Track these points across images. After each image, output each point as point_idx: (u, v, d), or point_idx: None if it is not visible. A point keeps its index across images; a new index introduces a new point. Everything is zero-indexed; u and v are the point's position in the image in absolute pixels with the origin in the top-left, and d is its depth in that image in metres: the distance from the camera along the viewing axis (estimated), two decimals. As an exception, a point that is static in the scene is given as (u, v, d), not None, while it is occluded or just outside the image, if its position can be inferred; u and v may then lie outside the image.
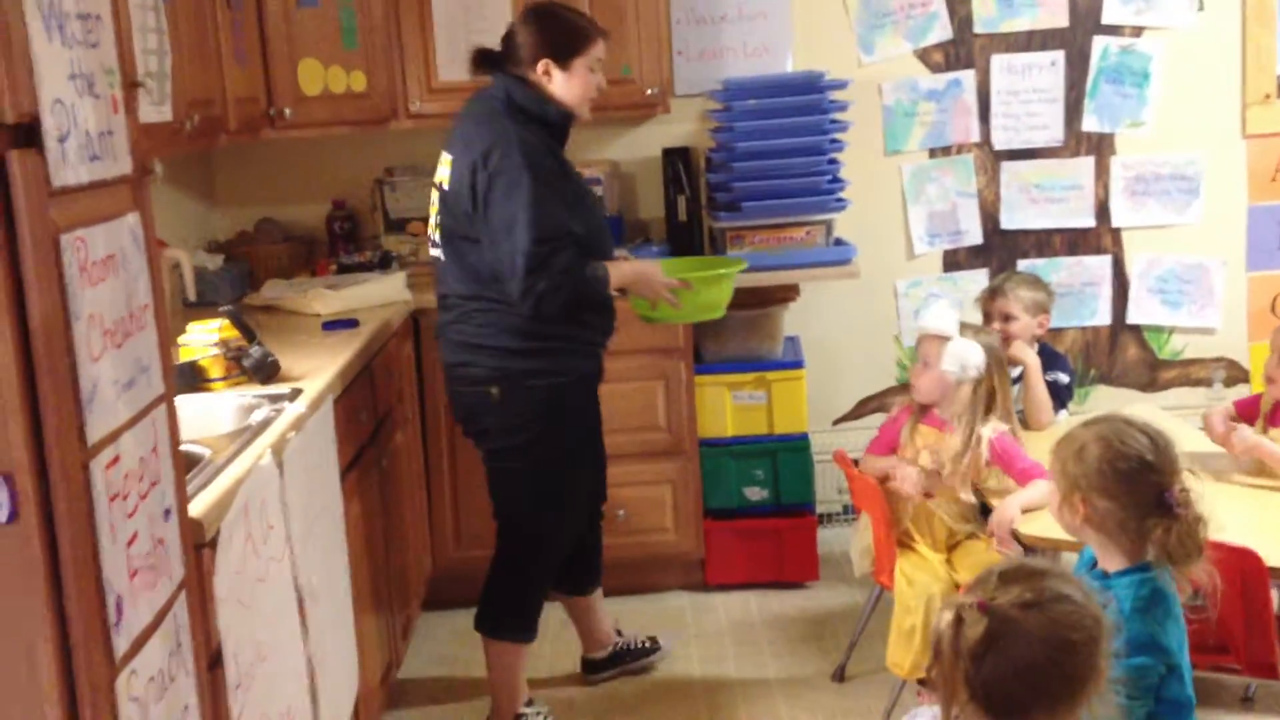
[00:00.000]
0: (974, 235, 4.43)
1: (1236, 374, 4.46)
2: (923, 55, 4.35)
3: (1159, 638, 1.98)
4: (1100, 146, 4.38)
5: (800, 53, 4.31)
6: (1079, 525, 2.11)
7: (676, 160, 4.17)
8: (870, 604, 3.37)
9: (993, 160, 4.40)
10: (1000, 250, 4.44)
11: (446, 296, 3.13)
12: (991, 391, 3.03)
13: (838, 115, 3.96)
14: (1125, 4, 4.29)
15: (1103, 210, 4.41)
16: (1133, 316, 4.46)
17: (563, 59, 2.99)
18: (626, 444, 3.88)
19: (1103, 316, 4.46)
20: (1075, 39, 4.31)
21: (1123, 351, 4.50)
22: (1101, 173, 4.39)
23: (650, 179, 4.33)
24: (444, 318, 3.15)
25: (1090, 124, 4.36)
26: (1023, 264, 4.42)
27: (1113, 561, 2.08)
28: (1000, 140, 4.38)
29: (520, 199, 2.86)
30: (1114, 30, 4.31)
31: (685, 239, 4.13)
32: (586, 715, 3.38)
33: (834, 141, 3.95)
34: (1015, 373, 3.41)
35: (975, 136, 4.39)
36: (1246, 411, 3.13)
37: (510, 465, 3.10)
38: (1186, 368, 4.49)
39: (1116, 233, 4.43)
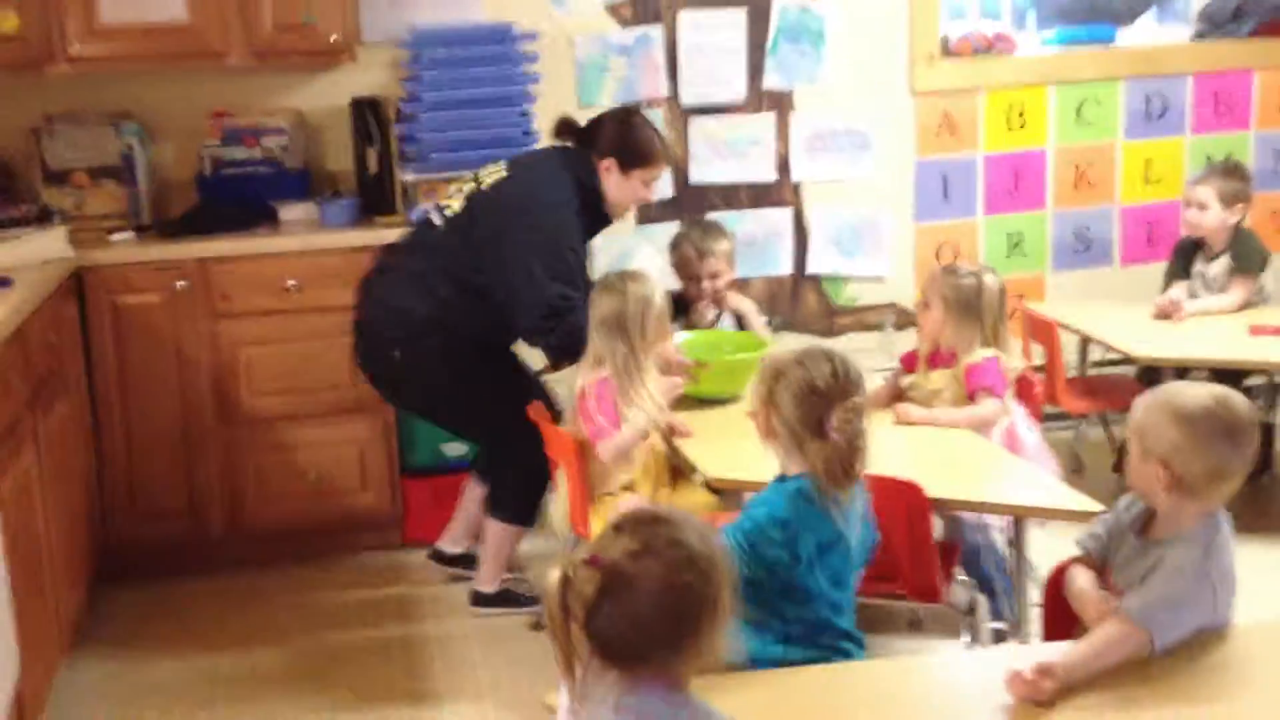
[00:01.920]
0: (665, 189, 4.51)
1: (906, 319, 4.74)
2: (613, 10, 4.38)
3: (783, 514, 2.17)
4: (781, 103, 4.55)
5: (491, 2, 4.24)
6: (765, 437, 2.28)
7: (366, 110, 4.04)
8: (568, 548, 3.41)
9: (681, 116, 4.49)
10: (689, 203, 4.55)
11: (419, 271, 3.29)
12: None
13: (529, 67, 3.94)
14: (802, -36, 4.45)
15: (784, 165, 4.58)
16: (812, 266, 4.67)
17: (627, 165, 3.29)
18: (316, 404, 3.79)
19: (785, 266, 4.65)
20: (756, -2, 4.45)
21: (803, 300, 4.71)
22: (782, 129, 4.55)
23: (339, 130, 4.17)
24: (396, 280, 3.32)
25: (771, 81, 4.51)
26: (711, 215, 4.54)
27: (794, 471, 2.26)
28: (688, 96, 4.47)
29: (560, 247, 3.20)
30: (792, -10, 4.47)
31: (376, 192, 4.02)
32: (279, 681, 3.28)
33: (526, 94, 3.93)
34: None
35: (665, 92, 4.46)
36: (910, 361, 3.34)
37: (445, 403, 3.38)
38: (861, 314, 4.74)
39: (797, 186, 4.61)
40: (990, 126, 4.68)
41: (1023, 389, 3.29)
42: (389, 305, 3.35)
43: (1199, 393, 2.09)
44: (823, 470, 2.19)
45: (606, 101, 4.40)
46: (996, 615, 2.91)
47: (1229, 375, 3.86)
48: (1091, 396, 4.00)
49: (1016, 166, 4.73)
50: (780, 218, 4.62)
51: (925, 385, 3.24)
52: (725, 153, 4.55)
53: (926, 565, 2.68)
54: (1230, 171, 4.06)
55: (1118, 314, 4.08)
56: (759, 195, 4.59)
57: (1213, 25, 4.78)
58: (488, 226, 3.28)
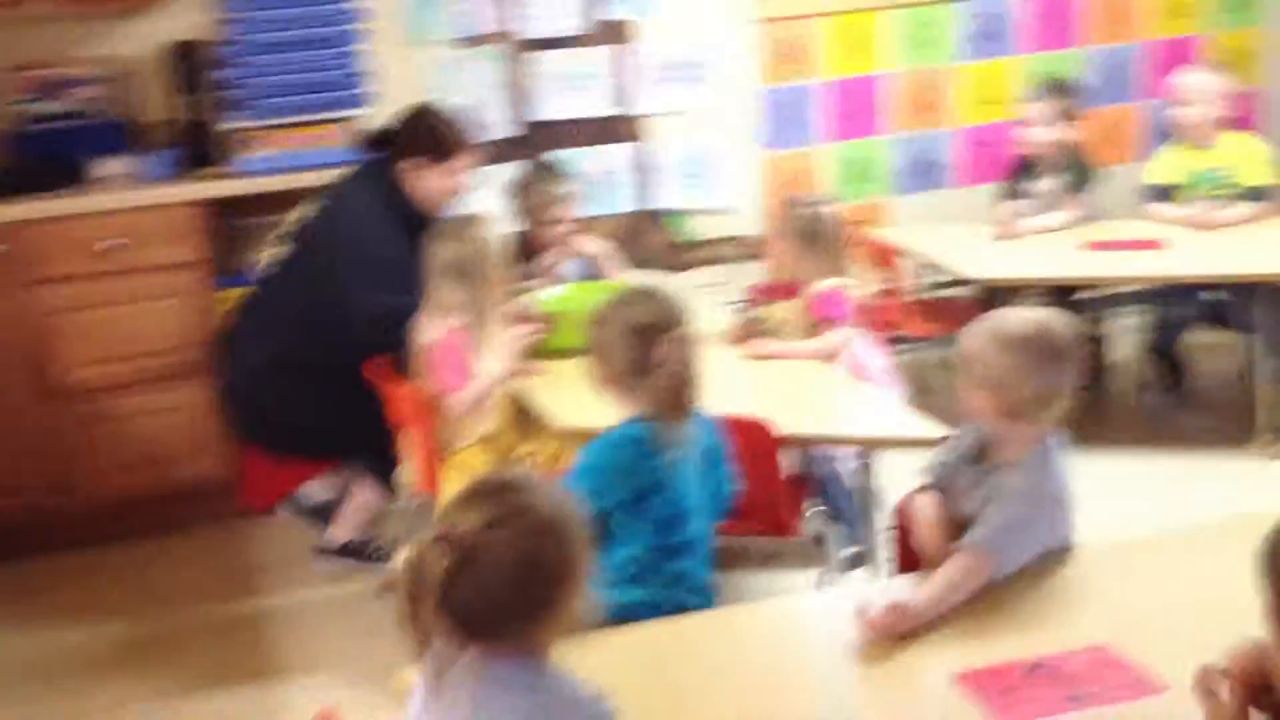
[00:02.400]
0: (507, 127, 4.40)
1: (751, 250, 4.73)
2: (444, -58, 4.22)
3: (595, 461, 2.20)
4: (621, 33, 4.45)
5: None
6: (601, 384, 2.28)
7: (184, 56, 3.83)
8: (413, 511, 3.33)
9: (520, 50, 4.36)
10: (533, 141, 4.44)
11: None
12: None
13: (356, 4, 3.77)
14: (633, -108, 4.35)
15: (625, 97, 4.50)
16: (658, 201, 4.62)
17: (430, 161, 3.26)
18: (142, 371, 3.64)
19: (628, 203, 4.59)
20: (590, -74, 4.33)
21: (651, 236, 4.66)
22: (622, 59, 4.47)
23: (157, 77, 3.95)
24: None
25: (611, 11, 4.41)
26: (555, 155, 4.45)
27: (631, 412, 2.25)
28: (527, 29, 4.35)
29: (376, 258, 3.18)
30: (625, -83, 4.36)
31: (198, 143, 3.83)
32: (124, 663, 3.16)
33: (352, 33, 3.77)
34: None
35: (501, 26, 4.32)
36: (759, 294, 3.34)
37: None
38: (710, 247, 4.71)
39: (639, 119, 4.54)
40: (830, 52, 4.67)
41: (866, 314, 3.31)
42: (245, 365, 3.32)
43: (1021, 319, 2.13)
44: (653, 406, 2.19)
45: (442, 38, 4.25)
46: (851, 543, 2.95)
47: (1060, 291, 3.99)
48: (934, 319, 4.05)
49: (857, 91, 4.74)
50: (623, 152, 4.55)
51: (773, 316, 3.24)
52: (566, 86, 4.45)
53: (777, 501, 2.69)
54: (1063, 88, 4.12)
55: (957, 237, 4.14)
56: (601, 131, 4.51)
57: (1041, -56, 4.83)
58: (307, 261, 3.27)
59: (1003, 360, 2.06)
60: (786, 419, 2.66)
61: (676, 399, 2.20)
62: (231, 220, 3.78)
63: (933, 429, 2.62)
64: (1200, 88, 3.99)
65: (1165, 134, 4.33)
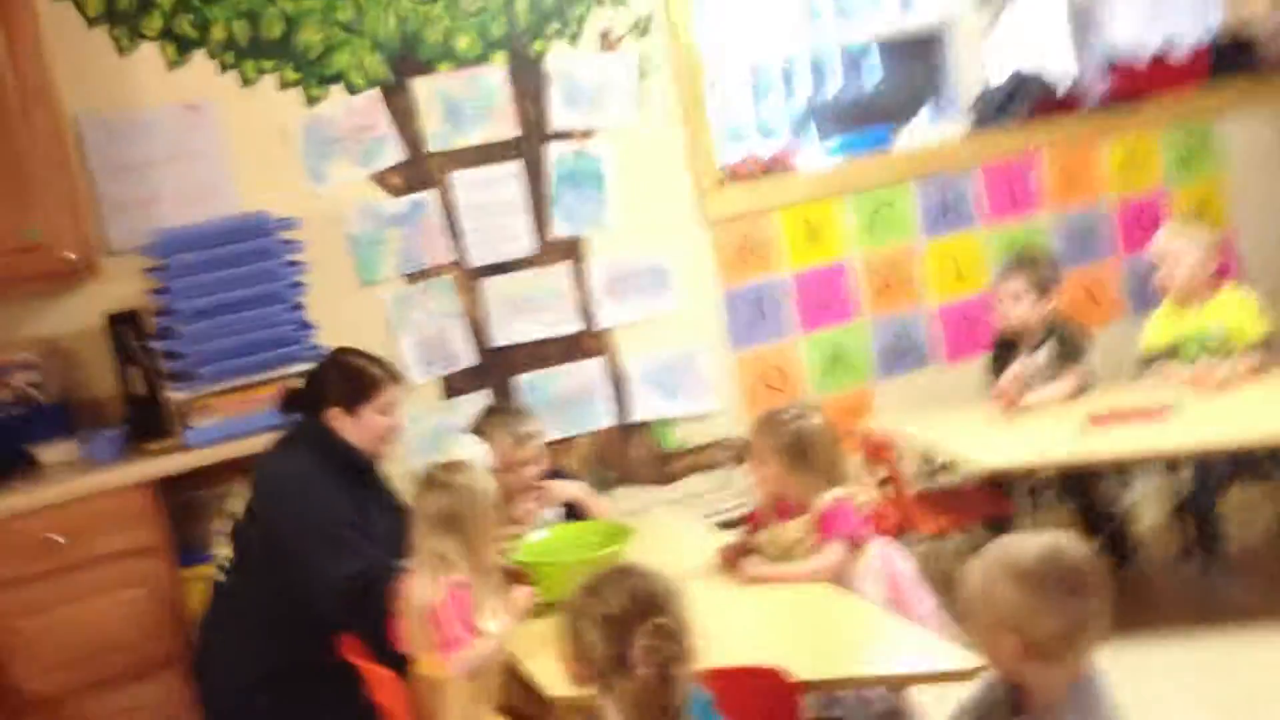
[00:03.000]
0: (468, 357, 4.24)
1: (738, 454, 4.53)
2: (380, 179, 4.11)
3: None
4: (573, 250, 4.33)
5: (246, 190, 3.92)
6: (577, 682, 1.99)
7: (124, 328, 3.65)
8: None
9: (471, 278, 4.23)
10: (496, 368, 4.27)
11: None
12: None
13: (294, 256, 3.62)
14: (570, 109, 4.27)
15: (587, 313, 4.35)
16: (635, 414, 4.42)
17: (351, 407, 3.08)
18: (104, 670, 3.33)
19: (607, 418, 4.40)
20: (529, 148, 4.24)
21: (633, 449, 4.45)
22: (579, 276, 4.34)
23: (97, 352, 3.76)
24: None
25: (559, 230, 4.30)
26: (523, 378, 4.28)
27: None
28: (475, 256, 4.22)
29: (325, 524, 2.94)
30: (564, 136, 4.28)
31: (148, 416, 3.61)
32: None
33: (295, 285, 3.61)
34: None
35: (450, 256, 4.20)
36: (757, 519, 3.09)
37: None
38: (695, 455, 4.51)
39: (605, 333, 4.38)
40: (791, 244, 4.56)
41: (876, 520, 3.07)
42: (213, 699, 3.10)
43: (1029, 546, 1.91)
44: (633, 713, 1.88)
45: (389, 275, 4.12)
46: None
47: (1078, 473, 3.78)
48: (944, 512, 3.81)
49: (823, 280, 4.61)
50: (592, 368, 4.38)
51: (783, 537, 2.99)
52: (524, 308, 4.30)
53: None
54: (1035, 260, 3.98)
55: (955, 421, 3.94)
56: (567, 349, 4.35)
57: (987, 115, 4.79)
58: (259, 551, 3.05)
59: (1018, 598, 1.84)
60: (803, 661, 2.40)
61: (662, 704, 1.89)
62: (187, 493, 3.55)
63: (966, 658, 2.35)
64: (1185, 247, 3.85)
65: (1144, 292, 4.19)
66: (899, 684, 2.48)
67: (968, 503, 3.86)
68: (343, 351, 3.24)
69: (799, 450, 2.94)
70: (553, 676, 2.54)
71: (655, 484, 4.47)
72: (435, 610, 2.64)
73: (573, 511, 3.43)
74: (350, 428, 3.10)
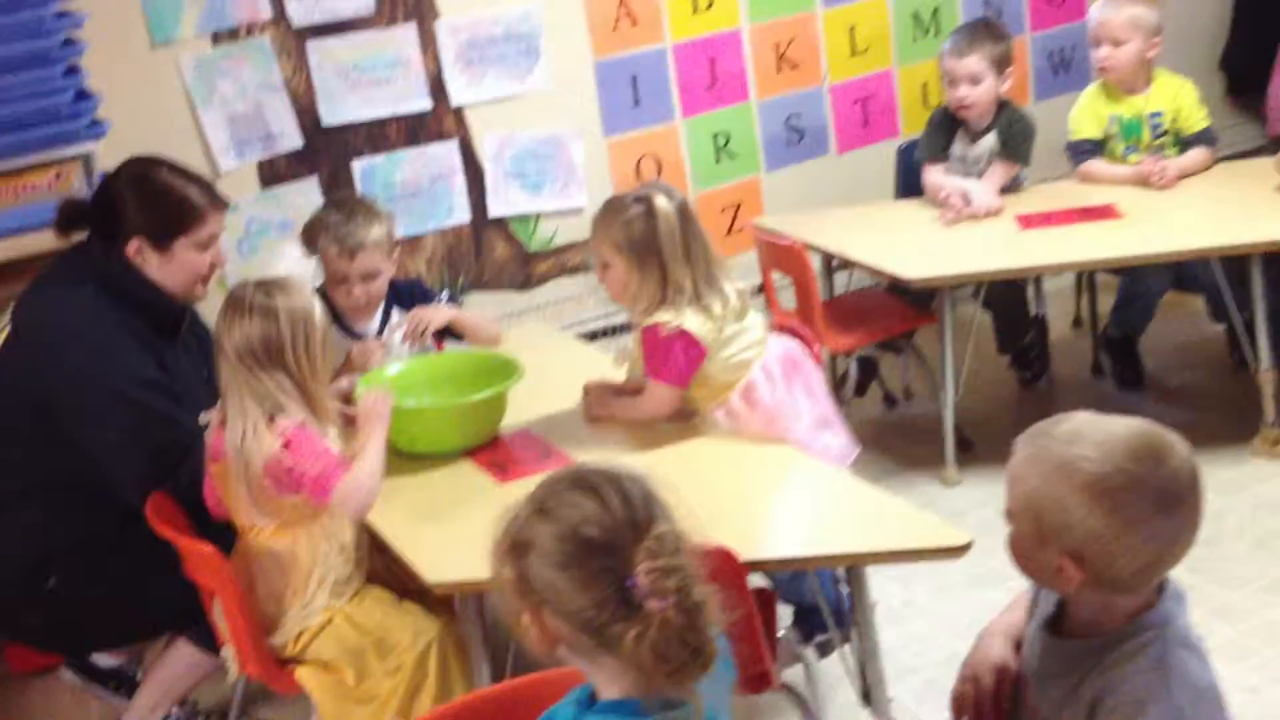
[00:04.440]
0: (292, 138, 3.51)
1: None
2: (175, -93, 3.27)
3: None
4: (420, 10, 3.59)
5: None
6: (548, 650, 1.34)
7: None
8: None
9: (295, 40, 3.46)
10: (328, 151, 3.56)
11: None
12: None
13: (64, 5, 2.82)
14: None
15: (438, 87, 3.65)
16: (494, 209, 3.79)
17: (161, 240, 2.35)
18: None
19: (461, 213, 3.76)
20: (366, -126, 3.44)
21: (490, 250, 3.84)
22: (428, 42, 3.61)
23: None
24: None
25: (404, -16, 3.55)
26: (358, 164, 3.58)
27: (610, 688, 1.33)
28: (299, 13, 3.45)
29: (123, 388, 2.28)
30: None
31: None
32: None
33: (67, 44, 2.81)
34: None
35: (267, 12, 3.42)
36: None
37: None
38: (561, 255, 3.93)
39: (459, 112, 3.70)
40: (673, 11, 3.90)
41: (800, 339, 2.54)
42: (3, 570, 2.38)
43: (1114, 449, 1.36)
44: (653, 667, 1.26)
45: (190, 34, 3.32)
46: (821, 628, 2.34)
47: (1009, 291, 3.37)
48: (856, 327, 3.34)
49: (711, 54, 3.99)
50: (445, 153, 3.70)
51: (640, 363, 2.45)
52: (360, 80, 3.57)
53: (754, 654, 1.95)
54: (993, 32, 3.40)
55: (860, 220, 3.46)
56: (413, 129, 3.65)
57: None
58: (20, 409, 2.32)
59: (1097, 518, 1.34)
60: (744, 535, 1.92)
61: (693, 642, 1.27)
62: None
63: (950, 535, 1.91)
64: (1131, 24, 3.34)
65: (1056, 75, 3.70)
66: (863, 562, 2.01)
67: (882, 314, 3.40)
68: (147, 164, 2.43)
69: (646, 245, 2.31)
70: (432, 562, 2.02)
71: (514, 289, 3.89)
72: (273, 461, 2.05)
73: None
74: (156, 266, 2.37)
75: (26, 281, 2.52)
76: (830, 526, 2.04)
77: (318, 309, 2.15)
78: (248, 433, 2.06)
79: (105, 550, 2.32)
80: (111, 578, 2.34)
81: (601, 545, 1.27)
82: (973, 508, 3.06)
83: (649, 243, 2.29)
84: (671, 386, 2.35)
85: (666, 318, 2.30)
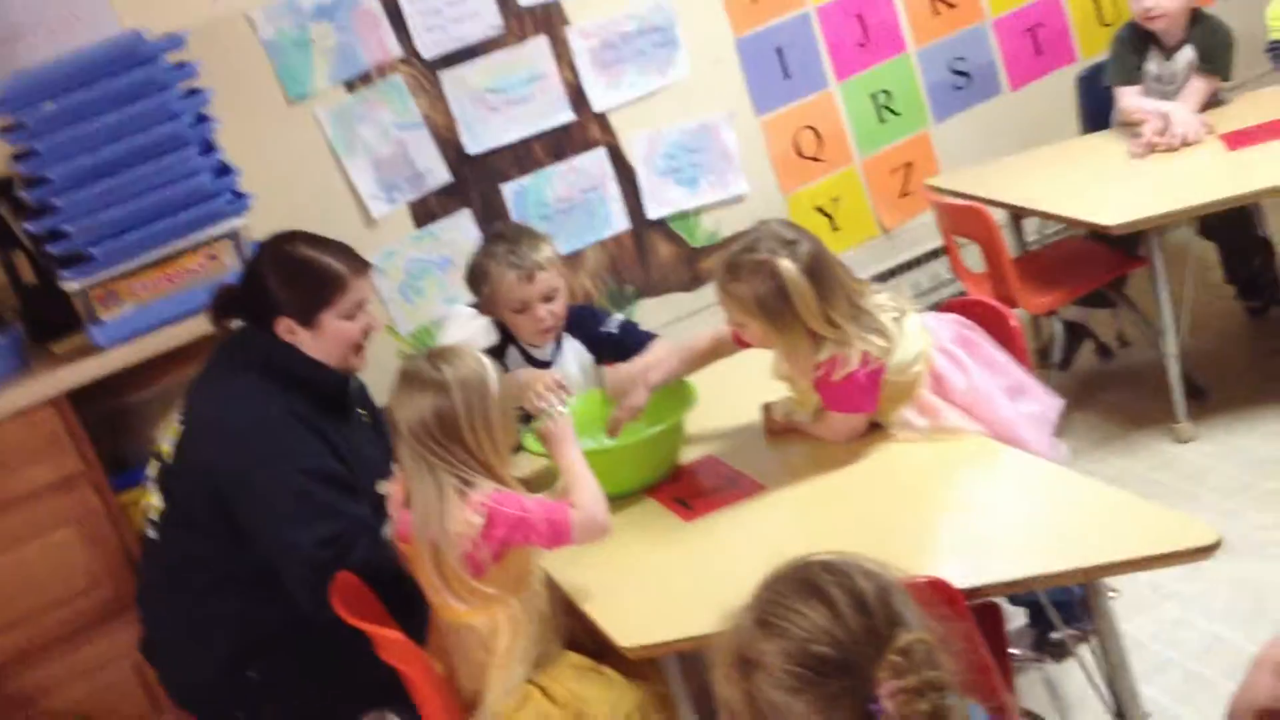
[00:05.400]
0: (439, 173, 3.43)
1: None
2: (289, -36, 3.22)
3: None
4: (549, 20, 3.46)
5: (126, 6, 3.02)
6: None
7: (-1, 204, 2.86)
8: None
9: (428, 73, 3.38)
10: (477, 180, 3.47)
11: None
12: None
13: (191, 83, 2.79)
14: None
15: (578, 95, 3.52)
16: (652, 211, 3.64)
17: (309, 315, 2.29)
18: (53, 627, 2.71)
19: (619, 221, 3.62)
20: (472, -106, 3.32)
21: (653, 254, 3.69)
22: (562, 51, 3.48)
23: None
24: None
25: (527, -3, 3.43)
26: (508, 188, 3.48)
27: None
28: (428, 46, 3.36)
29: (290, 476, 2.19)
30: None
31: (47, 309, 2.86)
32: None
33: (200, 120, 2.79)
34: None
35: (397, 50, 3.34)
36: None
37: None
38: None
39: (603, 117, 3.56)
40: (811, -29, 3.68)
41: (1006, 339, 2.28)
42: (182, 682, 2.39)
43: None
44: None
45: (324, 85, 3.27)
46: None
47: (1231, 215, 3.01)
48: (1055, 284, 3.05)
49: (858, 9, 3.74)
50: (594, 162, 3.57)
51: (810, 400, 2.24)
52: (499, 102, 3.47)
53: (988, 691, 1.74)
54: None
55: (1041, 168, 3.17)
56: (559, 143, 3.53)
57: None
58: (201, 503, 2.26)
59: None
60: (958, 556, 1.72)
61: None
62: (108, 402, 2.83)
63: (1203, 533, 1.66)
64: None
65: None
66: (1098, 575, 1.78)
67: (1083, 264, 3.10)
68: (285, 240, 2.34)
69: (779, 311, 2.09)
70: (624, 625, 1.88)
71: (682, 290, 3.73)
72: (473, 537, 1.92)
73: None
74: (309, 342, 2.30)
75: (193, 366, 2.50)
76: (1055, 535, 1.80)
77: (492, 376, 2.02)
78: (432, 517, 1.95)
79: (301, 637, 2.27)
80: (310, 664, 2.29)
81: (837, 664, 1.09)
82: (1215, 464, 2.73)
83: (782, 310, 2.08)
84: (856, 415, 2.17)
85: (826, 356, 2.11)
